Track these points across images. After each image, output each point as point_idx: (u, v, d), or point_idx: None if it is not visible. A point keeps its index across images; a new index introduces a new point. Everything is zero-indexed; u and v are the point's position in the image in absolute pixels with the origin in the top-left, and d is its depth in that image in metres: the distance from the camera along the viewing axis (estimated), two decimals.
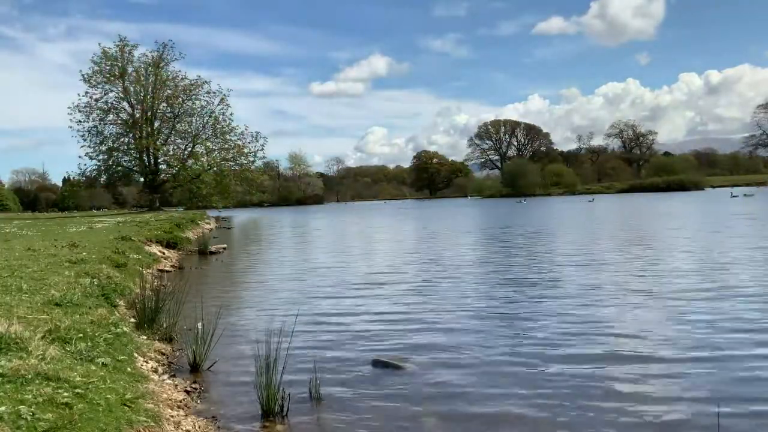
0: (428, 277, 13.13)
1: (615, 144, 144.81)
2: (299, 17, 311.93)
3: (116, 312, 7.80)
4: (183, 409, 5.12)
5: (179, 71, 60.42)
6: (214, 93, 60.21)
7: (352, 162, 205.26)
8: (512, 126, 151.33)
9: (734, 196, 56.39)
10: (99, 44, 63.37)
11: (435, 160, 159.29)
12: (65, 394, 4.06)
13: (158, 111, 59.74)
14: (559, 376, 5.88)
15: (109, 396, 4.30)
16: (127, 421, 4.06)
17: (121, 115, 58.92)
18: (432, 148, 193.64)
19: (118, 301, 8.75)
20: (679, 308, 8.75)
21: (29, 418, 3.61)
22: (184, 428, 4.65)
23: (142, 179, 64.32)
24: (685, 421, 4.75)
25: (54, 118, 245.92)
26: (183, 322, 7.59)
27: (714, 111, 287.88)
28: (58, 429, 3.59)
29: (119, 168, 60.94)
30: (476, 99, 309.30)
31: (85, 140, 57.78)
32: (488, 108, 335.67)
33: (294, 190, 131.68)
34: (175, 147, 61.67)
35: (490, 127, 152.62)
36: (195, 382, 5.93)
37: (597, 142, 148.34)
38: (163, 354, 6.80)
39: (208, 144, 61.12)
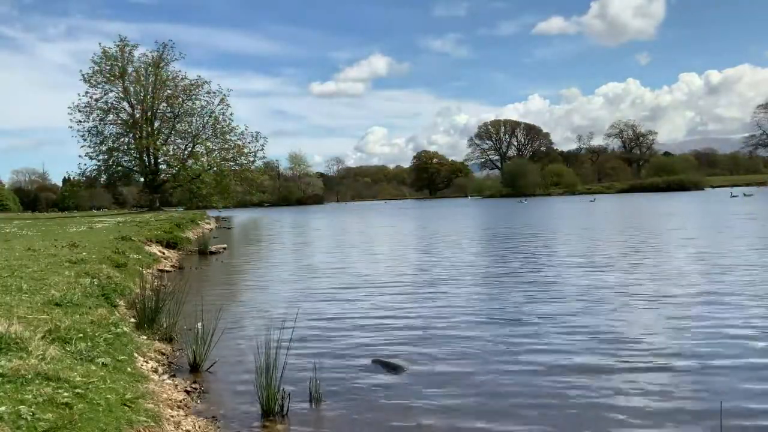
0: (428, 277, 13.13)
1: (615, 144, 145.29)
2: (299, 17, 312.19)
3: (116, 312, 7.80)
4: (183, 409, 5.12)
5: (179, 71, 60.72)
6: (214, 93, 60.51)
7: (352, 162, 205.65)
8: (512, 126, 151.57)
9: (734, 196, 56.44)
10: (99, 44, 63.86)
11: (435, 160, 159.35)
12: (65, 394, 4.06)
13: (158, 111, 59.89)
14: (560, 376, 5.87)
15: (109, 396, 4.30)
16: (127, 421, 4.06)
17: (121, 115, 59.10)
18: (432, 148, 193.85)
19: (118, 301, 8.75)
20: (682, 311, 8.73)
21: (29, 418, 3.61)
22: (184, 428, 4.65)
23: (142, 179, 64.43)
24: (688, 425, 4.73)
25: (54, 118, 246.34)
26: (183, 322, 7.59)
27: (714, 111, 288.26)
28: (58, 429, 3.59)
29: (119, 168, 61.06)
30: (476, 99, 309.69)
31: (85, 140, 58.08)
32: (488, 108, 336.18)
33: (294, 190, 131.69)
34: (175, 147, 61.91)
35: (490, 127, 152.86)
36: (195, 382, 5.93)
37: (597, 142, 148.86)
38: (163, 354, 6.80)
39: (208, 144, 61.28)
